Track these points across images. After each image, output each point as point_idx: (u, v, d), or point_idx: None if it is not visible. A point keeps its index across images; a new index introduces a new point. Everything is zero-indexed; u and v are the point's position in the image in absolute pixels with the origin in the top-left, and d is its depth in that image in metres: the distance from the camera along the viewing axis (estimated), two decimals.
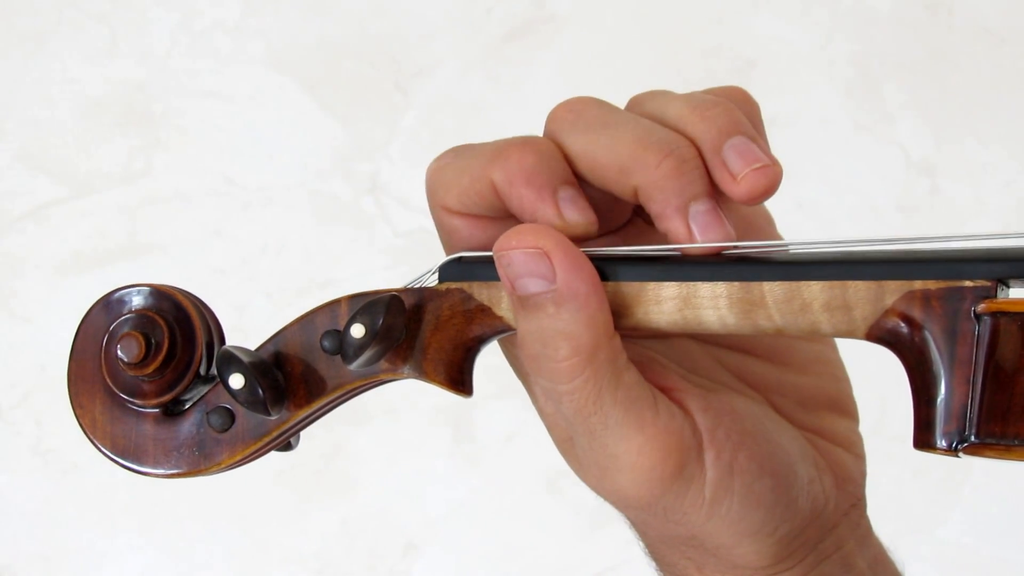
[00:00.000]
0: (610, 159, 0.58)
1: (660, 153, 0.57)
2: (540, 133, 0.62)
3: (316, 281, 1.56)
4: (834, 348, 0.68)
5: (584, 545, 1.53)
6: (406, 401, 1.54)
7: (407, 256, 1.56)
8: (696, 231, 0.57)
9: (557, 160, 0.59)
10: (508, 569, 1.54)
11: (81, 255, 1.56)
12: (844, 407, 0.67)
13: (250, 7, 1.60)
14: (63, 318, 1.53)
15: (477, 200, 0.60)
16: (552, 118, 0.61)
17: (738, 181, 0.57)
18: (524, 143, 0.59)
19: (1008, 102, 1.60)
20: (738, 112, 0.59)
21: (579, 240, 0.59)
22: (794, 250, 0.59)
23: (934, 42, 1.61)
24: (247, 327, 1.52)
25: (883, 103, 1.60)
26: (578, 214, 0.59)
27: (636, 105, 0.62)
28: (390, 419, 1.54)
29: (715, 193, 0.58)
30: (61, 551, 1.53)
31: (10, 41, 1.59)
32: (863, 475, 0.67)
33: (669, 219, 0.58)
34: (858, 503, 0.66)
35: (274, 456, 1.54)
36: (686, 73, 1.60)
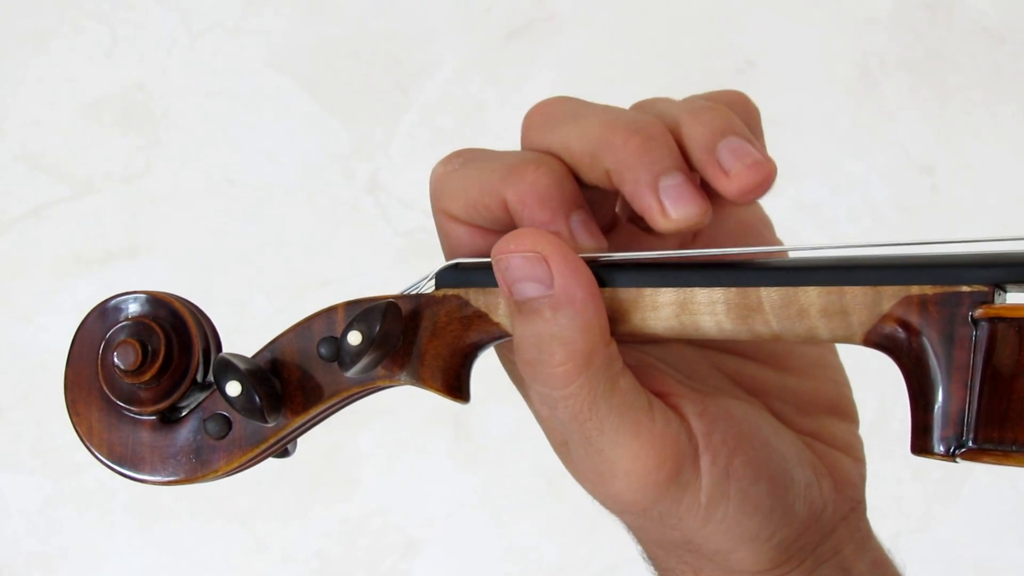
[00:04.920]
0: (581, 147, 0.58)
1: (626, 132, 0.57)
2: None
3: (316, 281, 1.56)
4: (833, 352, 0.68)
5: (584, 545, 1.53)
6: (406, 401, 1.54)
7: (407, 256, 1.56)
8: (668, 205, 0.57)
9: (571, 183, 0.59)
10: (508, 569, 1.54)
11: (81, 255, 1.56)
12: (843, 411, 0.67)
13: (250, 7, 1.60)
14: (63, 318, 1.54)
15: (484, 213, 0.60)
16: (525, 123, 0.61)
17: (730, 178, 0.57)
18: (539, 162, 0.59)
19: (1008, 102, 1.60)
20: (733, 115, 0.58)
21: None
22: (792, 255, 0.59)
23: (934, 42, 1.61)
24: (247, 327, 1.53)
25: (883, 103, 1.60)
26: (590, 239, 0.59)
27: (636, 110, 0.61)
28: (390, 419, 1.54)
29: (688, 169, 0.58)
30: (61, 551, 1.53)
31: (10, 41, 1.59)
32: (862, 478, 0.66)
33: (641, 196, 0.57)
34: (857, 507, 0.66)
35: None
36: (686, 73, 1.60)
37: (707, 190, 0.58)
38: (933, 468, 1.56)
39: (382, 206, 1.58)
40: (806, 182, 1.57)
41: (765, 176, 0.57)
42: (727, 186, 0.57)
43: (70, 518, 1.53)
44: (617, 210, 0.65)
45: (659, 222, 0.57)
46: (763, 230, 0.67)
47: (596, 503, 0.62)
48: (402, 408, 1.54)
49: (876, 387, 1.56)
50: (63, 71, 1.59)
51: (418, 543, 1.54)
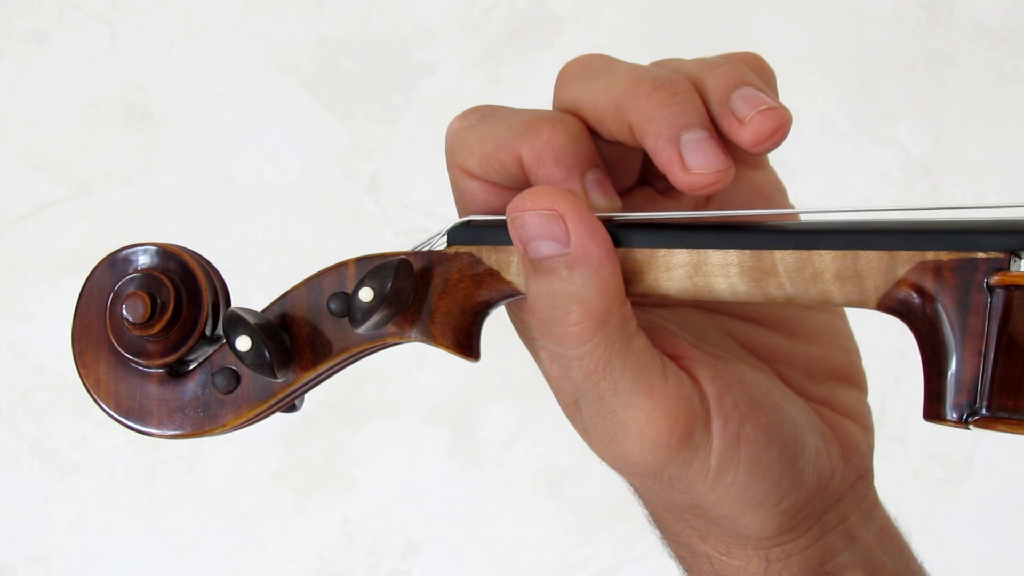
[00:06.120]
0: (607, 99, 0.58)
1: (651, 86, 0.57)
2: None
3: None
4: (843, 318, 0.68)
5: (584, 545, 1.53)
6: (406, 401, 1.54)
7: None
8: (688, 158, 0.56)
9: (587, 141, 0.59)
10: (508, 569, 1.54)
11: (81, 255, 1.56)
12: (853, 378, 0.67)
13: (250, 7, 1.60)
14: (63, 318, 1.53)
15: (499, 169, 0.59)
16: (560, 74, 0.61)
17: (745, 126, 0.56)
18: (556, 120, 0.59)
19: (1008, 102, 1.60)
20: (746, 69, 0.58)
21: None
22: (806, 219, 0.59)
23: (934, 42, 1.61)
24: None
25: (883, 103, 1.60)
26: (604, 198, 0.58)
27: (658, 67, 0.61)
28: (390, 419, 1.54)
29: (711, 126, 0.57)
30: (61, 551, 1.52)
31: (10, 41, 1.59)
32: (870, 447, 0.66)
33: (661, 149, 0.56)
34: (865, 475, 0.65)
35: (274, 455, 1.52)
36: None
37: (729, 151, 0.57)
38: (933, 469, 1.56)
39: (382, 206, 1.58)
40: (806, 182, 1.57)
41: (780, 122, 0.56)
42: (742, 134, 0.56)
43: (70, 518, 1.53)
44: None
45: (679, 176, 0.56)
46: (777, 195, 0.67)
47: (605, 465, 0.61)
48: (402, 408, 1.54)
49: (876, 386, 1.56)
50: (63, 71, 1.59)
51: (418, 543, 1.54)
